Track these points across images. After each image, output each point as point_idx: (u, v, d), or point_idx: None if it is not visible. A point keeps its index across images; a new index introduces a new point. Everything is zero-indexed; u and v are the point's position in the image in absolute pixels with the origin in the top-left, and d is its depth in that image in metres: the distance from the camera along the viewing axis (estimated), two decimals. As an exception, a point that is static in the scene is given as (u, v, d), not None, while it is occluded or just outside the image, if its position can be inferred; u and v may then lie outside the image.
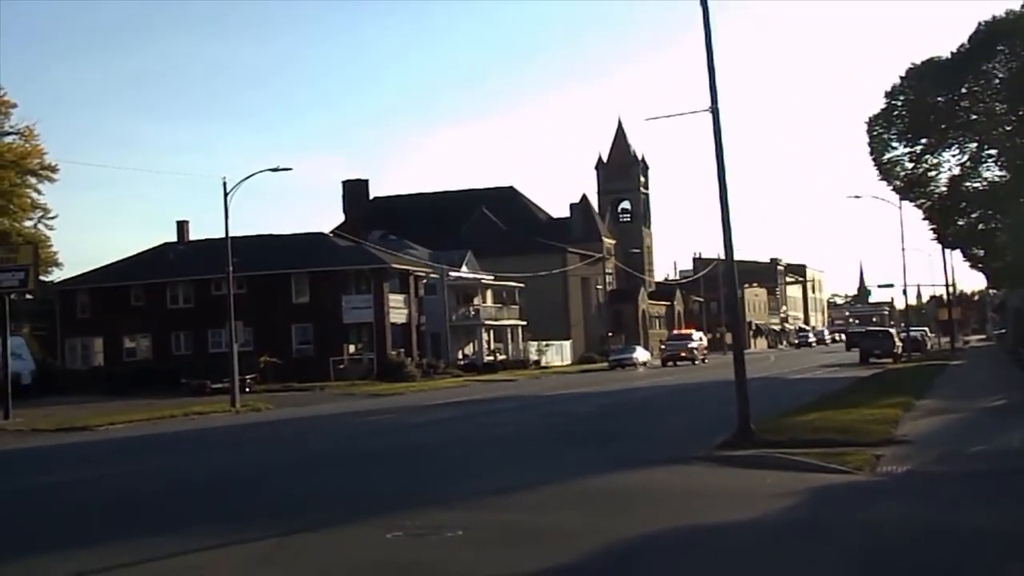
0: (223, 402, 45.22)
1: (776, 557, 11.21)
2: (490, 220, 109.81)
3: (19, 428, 36.16)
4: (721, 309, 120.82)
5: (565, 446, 23.86)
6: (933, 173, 54.40)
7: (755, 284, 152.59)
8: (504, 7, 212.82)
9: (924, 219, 57.69)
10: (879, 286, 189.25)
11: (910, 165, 54.40)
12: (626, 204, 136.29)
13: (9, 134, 75.45)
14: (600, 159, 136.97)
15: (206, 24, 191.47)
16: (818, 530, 12.44)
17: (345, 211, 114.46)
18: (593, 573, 10.78)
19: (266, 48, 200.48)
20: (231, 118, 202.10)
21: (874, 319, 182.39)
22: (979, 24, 49.49)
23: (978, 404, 28.47)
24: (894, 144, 54.32)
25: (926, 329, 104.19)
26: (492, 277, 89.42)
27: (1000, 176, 52.14)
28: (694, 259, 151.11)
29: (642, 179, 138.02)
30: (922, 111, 52.19)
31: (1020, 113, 49.43)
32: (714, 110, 21.73)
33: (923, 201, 56.20)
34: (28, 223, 76.85)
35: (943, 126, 52.08)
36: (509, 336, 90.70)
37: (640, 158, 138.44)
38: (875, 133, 54.55)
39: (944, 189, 54.34)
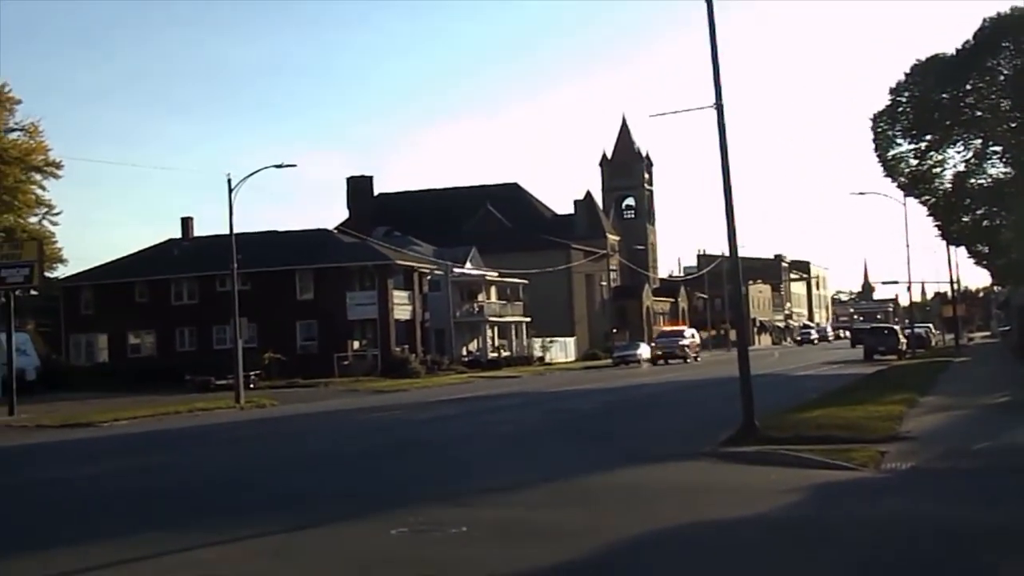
0: (227, 398, 45.26)
1: (780, 553, 11.21)
2: (494, 217, 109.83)
3: (24, 424, 36.17)
4: (725, 306, 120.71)
5: (569, 443, 23.86)
6: (938, 170, 54.34)
7: (759, 281, 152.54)
8: (506, 3, 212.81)
9: (928, 216, 57.67)
10: (883, 283, 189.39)
11: (914, 162, 54.35)
12: (630, 201, 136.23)
13: (14, 130, 75.61)
14: (604, 156, 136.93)
15: (210, 20, 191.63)
16: (822, 527, 12.44)
17: (349, 208, 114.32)
18: (597, 569, 10.77)
19: (271, 44, 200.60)
20: (236, 115, 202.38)
21: (878, 316, 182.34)
22: (984, 21, 49.42)
23: (982, 401, 28.43)
24: (899, 141, 54.28)
25: (930, 326, 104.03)
26: (496, 274, 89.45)
27: (1005, 173, 52.08)
28: (698, 256, 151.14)
29: (646, 176, 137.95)
30: (927, 108, 52.13)
31: (1025, 109, 49.41)
32: (718, 107, 21.71)
33: (928, 198, 56.15)
34: (33, 219, 77.03)
35: (948, 123, 52.02)
36: (513, 333, 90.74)
37: (644, 155, 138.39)
38: (880, 130, 54.51)
39: (949, 186, 54.28)
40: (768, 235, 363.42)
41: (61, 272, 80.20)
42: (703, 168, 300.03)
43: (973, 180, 53.48)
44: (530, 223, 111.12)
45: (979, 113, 51.32)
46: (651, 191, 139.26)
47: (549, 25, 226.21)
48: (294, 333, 71.28)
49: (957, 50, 50.86)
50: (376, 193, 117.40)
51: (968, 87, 51.00)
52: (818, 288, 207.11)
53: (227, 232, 48.50)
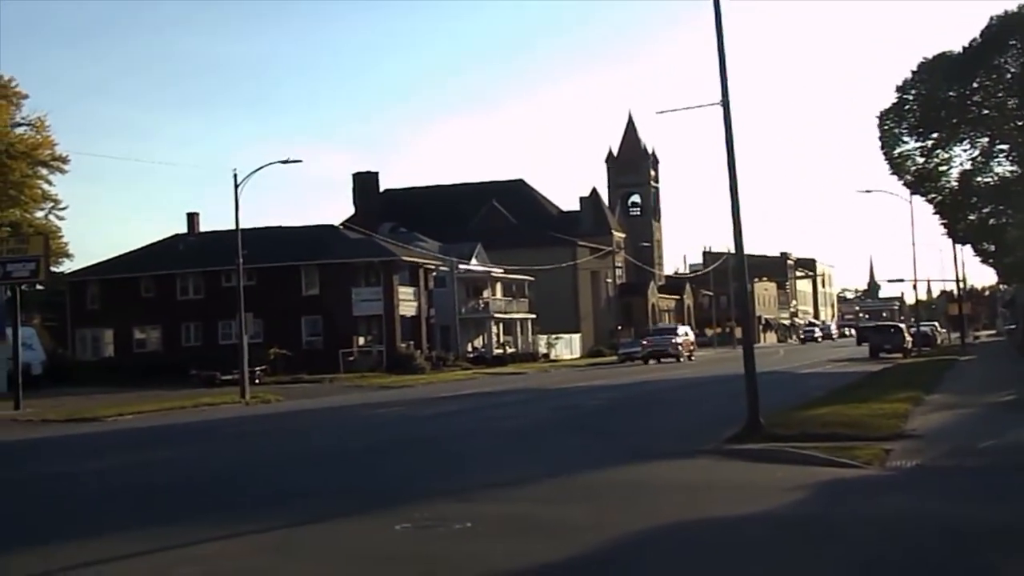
0: (233, 394, 45.32)
1: (784, 551, 11.19)
2: (500, 213, 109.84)
3: (29, 418, 36.23)
4: (731, 303, 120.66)
5: (573, 439, 23.86)
6: (944, 168, 54.35)
7: (765, 278, 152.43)
8: (511, 8, 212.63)
9: (935, 214, 57.66)
10: (889, 281, 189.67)
11: (921, 160, 54.36)
12: (636, 198, 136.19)
13: (20, 125, 75.72)
14: (610, 152, 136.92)
15: (214, 17, 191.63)
16: (827, 524, 12.42)
17: (355, 203, 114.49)
18: (600, 565, 10.75)
19: (277, 39, 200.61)
20: (242, 110, 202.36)
21: (884, 314, 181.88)
22: (991, 19, 49.43)
23: (988, 399, 28.40)
24: (905, 139, 54.29)
25: (936, 324, 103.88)
26: (502, 270, 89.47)
27: (1011, 171, 52.08)
28: (704, 253, 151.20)
29: (652, 172, 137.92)
30: (933, 106, 52.13)
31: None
32: (725, 103, 21.69)
33: (934, 196, 56.15)
34: (39, 214, 77.21)
35: (954, 121, 52.02)
36: (518, 329, 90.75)
37: (650, 152, 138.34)
38: (886, 127, 54.51)
39: (955, 184, 54.28)
40: (774, 233, 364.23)
41: (67, 267, 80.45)
42: (709, 165, 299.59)
43: (979, 178, 53.48)
44: (536, 220, 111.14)
45: (986, 111, 51.32)
46: (657, 188, 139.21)
47: (554, 21, 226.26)
48: (299, 329, 71.35)
49: (964, 48, 50.86)
50: (382, 189, 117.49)
51: (975, 85, 50.99)
52: (824, 286, 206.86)
53: (233, 227, 48.57)
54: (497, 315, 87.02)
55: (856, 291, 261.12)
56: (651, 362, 75.58)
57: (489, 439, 24.80)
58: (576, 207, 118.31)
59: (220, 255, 60.01)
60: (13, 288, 44.47)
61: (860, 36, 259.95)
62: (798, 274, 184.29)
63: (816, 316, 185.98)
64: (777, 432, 20.03)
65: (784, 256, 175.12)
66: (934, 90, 51.97)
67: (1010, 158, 51.84)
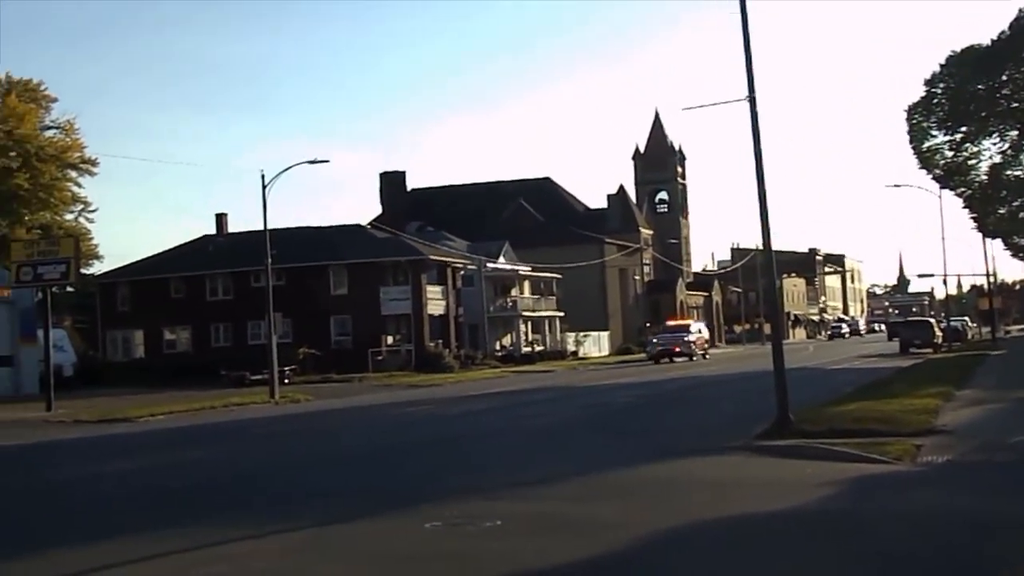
0: (262, 393, 45.49)
1: (813, 547, 11.16)
2: (527, 211, 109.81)
3: (61, 419, 36.47)
4: (760, 299, 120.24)
5: (603, 437, 23.86)
6: (973, 161, 54.14)
7: (793, 274, 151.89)
8: (536, 3, 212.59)
9: (964, 208, 57.47)
10: (919, 276, 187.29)
11: (950, 153, 54.15)
12: (663, 194, 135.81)
13: (50, 128, 76.32)
14: (637, 149, 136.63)
15: (241, 20, 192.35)
16: (857, 520, 12.38)
17: (383, 203, 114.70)
18: (630, 563, 10.75)
19: (304, 40, 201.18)
20: (270, 112, 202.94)
21: (914, 309, 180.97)
22: (1020, 11, 49.24)
23: (1019, 394, 28.18)
24: (934, 132, 54.10)
25: (966, 319, 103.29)
26: (530, 268, 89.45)
27: (1041, 164, 51.78)
28: (732, 249, 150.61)
29: (679, 169, 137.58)
30: (962, 99, 51.91)
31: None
32: (751, 99, 21.62)
33: (963, 190, 55.92)
34: (69, 216, 77.81)
35: (983, 114, 51.79)
36: (547, 327, 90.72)
37: (677, 148, 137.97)
38: (914, 121, 54.31)
39: (984, 177, 54.06)
40: (802, 228, 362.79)
41: (97, 269, 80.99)
42: (736, 161, 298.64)
43: (1009, 172, 53.25)
44: (563, 217, 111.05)
45: (1015, 104, 51.06)
46: (684, 184, 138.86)
47: (584, 17, 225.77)
48: (328, 328, 71.56)
49: (993, 41, 50.63)
50: (409, 188, 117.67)
51: (1004, 78, 50.77)
52: (853, 281, 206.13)
53: (261, 228, 48.74)
54: (525, 313, 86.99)
55: (886, 286, 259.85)
56: (663, 361, 72.36)
57: (518, 437, 24.81)
58: (603, 204, 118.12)
59: (249, 256, 60.27)
60: (44, 290, 44.82)
61: (888, 30, 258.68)
62: (827, 270, 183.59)
63: (845, 312, 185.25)
64: (807, 428, 19.99)
65: (813, 252, 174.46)
66: (963, 83, 51.75)
67: (1040, 151, 51.57)
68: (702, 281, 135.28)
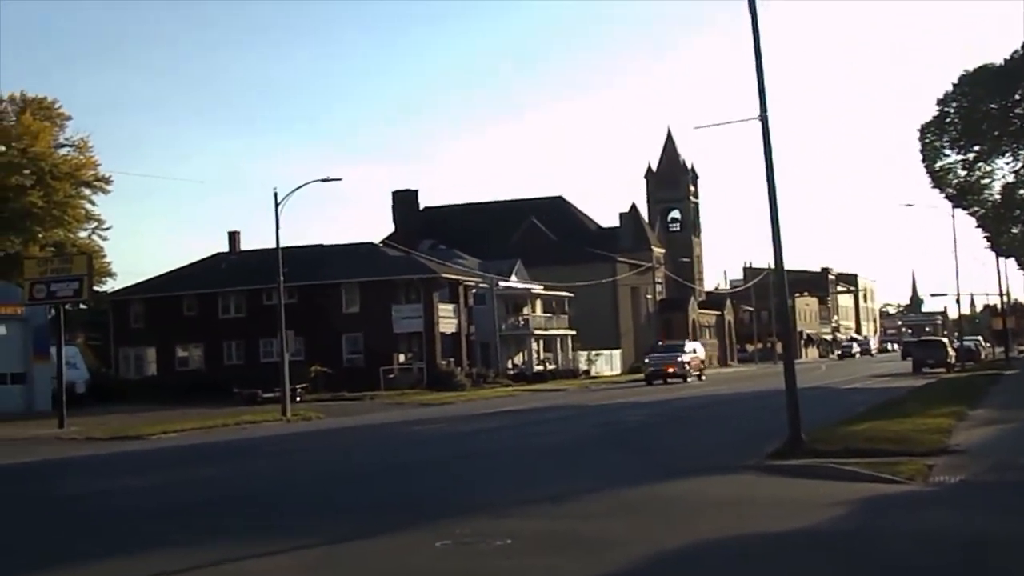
0: (274, 411, 45.50)
1: (825, 566, 11.15)
2: (539, 230, 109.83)
3: (73, 436, 36.49)
4: (772, 319, 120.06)
5: (614, 455, 23.84)
6: (986, 180, 54.08)
7: (806, 293, 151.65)
8: (547, 17, 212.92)
9: (977, 227, 57.40)
10: (932, 295, 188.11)
11: (963, 172, 54.10)
12: (676, 213, 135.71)
13: (64, 146, 76.69)
14: (649, 168, 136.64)
15: (250, 39, 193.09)
16: (869, 539, 12.35)
17: (395, 221, 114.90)
18: (641, 582, 10.75)
19: (315, 57, 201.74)
20: (281, 129, 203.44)
21: (927, 328, 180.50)
22: (1033, 30, 49.07)
23: (1033, 414, 28.14)
24: (946, 151, 54.06)
25: (980, 338, 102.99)
26: (541, 287, 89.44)
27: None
28: (744, 268, 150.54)
29: (691, 188, 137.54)
30: (975, 118, 51.87)
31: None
32: (763, 118, 21.62)
33: (976, 209, 55.84)
34: (82, 234, 78.08)
35: (996, 133, 51.75)
36: (559, 346, 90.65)
37: (690, 167, 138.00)
38: (927, 140, 54.29)
39: (998, 197, 53.98)
40: (815, 247, 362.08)
41: (110, 286, 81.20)
42: (749, 179, 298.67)
43: (1022, 191, 53.13)
44: (575, 236, 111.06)
45: (1028, 124, 50.97)
46: (697, 203, 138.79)
47: (596, 37, 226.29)
48: (340, 346, 71.59)
49: (1006, 60, 50.62)
50: (422, 207, 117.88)
51: (1017, 97, 50.75)
52: (866, 301, 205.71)
53: (274, 246, 48.80)
54: (537, 332, 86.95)
55: (899, 306, 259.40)
56: (656, 382, 67.48)
57: (529, 455, 24.81)
58: (616, 223, 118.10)
59: (262, 273, 60.34)
60: (57, 307, 44.94)
61: (901, 49, 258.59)
62: (840, 289, 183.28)
63: (858, 331, 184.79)
64: (819, 448, 19.94)
65: (825, 271, 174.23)
66: (976, 103, 51.73)
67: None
68: (714, 300, 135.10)
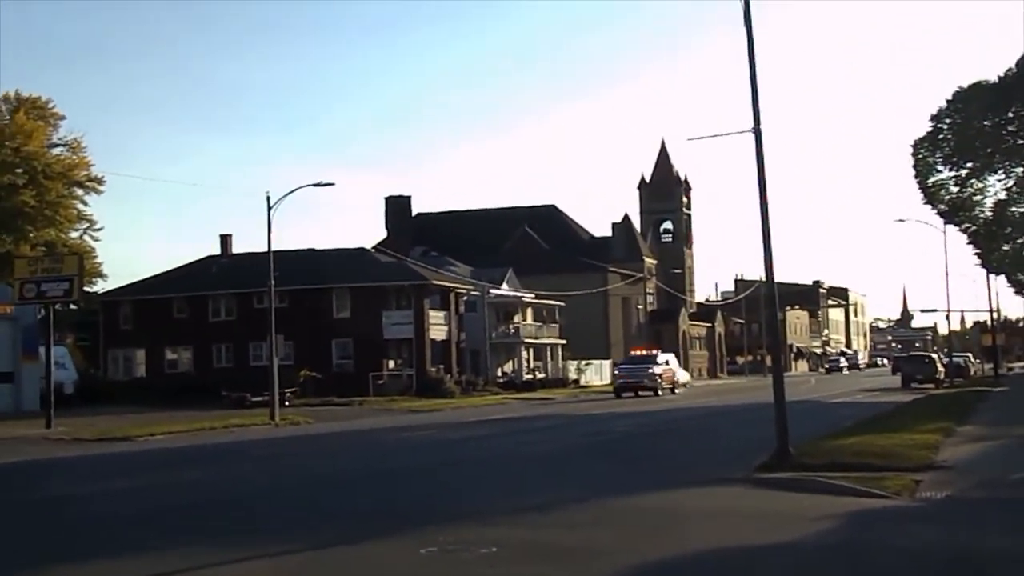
0: (263, 415, 45.37)
1: (810, 580, 11.13)
2: (532, 238, 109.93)
3: (60, 437, 36.37)
4: (762, 331, 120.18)
5: (602, 465, 23.81)
6: (978, 197, 54.18)
7: (797, 307, 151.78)
8: (541, 27, 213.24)
9: (969, 243, 57.50)
10: (922, 311, 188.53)
11: (955, 189, 54.21)
12: (668, 224, 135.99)
13: (57, 146, 76.60)
14: (643, 179, 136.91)
15: (245, 42, 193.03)
16: (855, 554, 12.33)
17: (387, 227, 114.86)
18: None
19: (310, 62, 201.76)
20: (277, 133, 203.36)
21: (917, 344, 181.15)
22: (1027, 48, 49.21)
23: (1020, 431, 28.13)
24: (939, 168, 54.17)
25: (969, 355, 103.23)
26: (533, 295, 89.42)
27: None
28: (736, 280, 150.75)
29: (684, 199, 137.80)
30: (968, 135, 51.98)
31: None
32: (757, 131, 21.62)
33: (968, 225, 55.96)
34: (74, 234, 77.99)
35: (989, 150, 51.85)
36: (549, 354, 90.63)
37: (683, 178, 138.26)
38: (920, 156, 54.40)
39: (989, 214, 54.09)
40: (806, 261, 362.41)
41: (101, 287, 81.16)
42: (741, 191, 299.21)
43: (1014, 208, 53.27)
44: (567, 245, 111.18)
45: (1021, 141, 51.10)
46: (689, 215, 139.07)
47: (590, 48, 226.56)
48: (330, 351, 71.52)
49: (1000, 77, 50.71)
50: (414, 213, 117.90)
51: (1010, 115, 50.83)
52: (856, 315, 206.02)
53: (265, 250, 48.74)
54: (527, 340, 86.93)
55: (889, 320, 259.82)
56: (625, 395, 64.99)
57: (517, 464, 24.78)
58: (608, 233, 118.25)
59: (252, 277, 60.23)
60: (47, 307, 44.86)
61: (894, 65, 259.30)
62: (830, 303, 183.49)
63: (848, 345, 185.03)
64: (806, 461, 19.90)
65: (816, 284, 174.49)
66: (969, 119, 51.83)
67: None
68: (705, 312, 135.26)
